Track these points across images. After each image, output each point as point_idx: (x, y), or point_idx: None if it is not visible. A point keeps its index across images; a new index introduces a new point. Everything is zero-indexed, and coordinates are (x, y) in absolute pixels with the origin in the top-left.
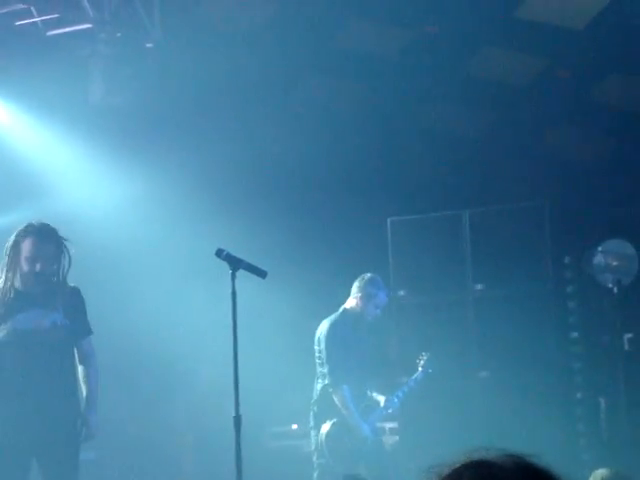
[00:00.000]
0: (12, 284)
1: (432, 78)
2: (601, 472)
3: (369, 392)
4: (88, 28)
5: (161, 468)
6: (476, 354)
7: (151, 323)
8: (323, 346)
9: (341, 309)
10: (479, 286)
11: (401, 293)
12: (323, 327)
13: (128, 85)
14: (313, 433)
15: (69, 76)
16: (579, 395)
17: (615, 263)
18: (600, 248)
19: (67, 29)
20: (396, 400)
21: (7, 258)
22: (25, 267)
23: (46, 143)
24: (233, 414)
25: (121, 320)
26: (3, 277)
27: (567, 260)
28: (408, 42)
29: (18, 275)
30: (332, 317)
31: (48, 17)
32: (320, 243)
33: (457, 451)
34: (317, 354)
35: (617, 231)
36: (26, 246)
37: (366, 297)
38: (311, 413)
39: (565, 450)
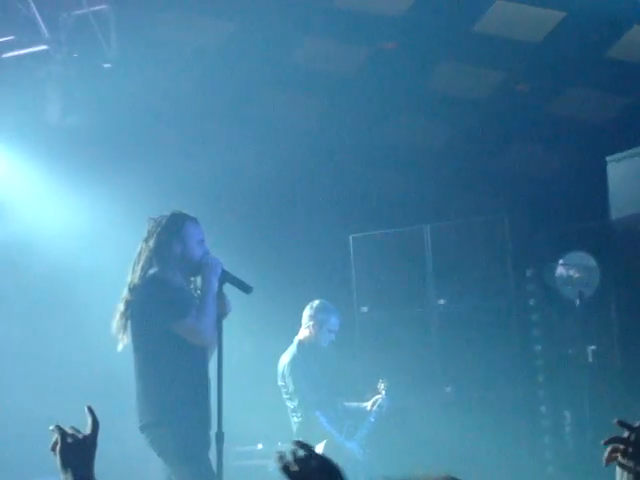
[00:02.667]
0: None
1: (391, 94)
2: None
3: (343, 409)
4: (44, 49)
5: None
6: (440, 369)
7: (103, 346)
8: (289, 381)
9: (296, 341)
10: (442, 301)
11: (364, 309)
12: (284, 362)
13: (86, 106)
14: None
15: (26, 98)
16: (543, 408)
17: (577, 275)
18: (561, 261)
19: (23, 51)
20: (372, 420)
21: (165, 245)
22: (197, 253)
23: (3, 166)
24: (215, 430)
25: (73, 344)
26: (162, 266)
27: (529, 273)
28: (365, 58)
29: (181, 263)
30: (290, 352)
31: (3, 39)
32: (282, 261)
33: (421, 467)
34: (284, 390)
35: (578, 243)
36: (194, 230)
37: (318, 324)
38: None
39: (531, 463)
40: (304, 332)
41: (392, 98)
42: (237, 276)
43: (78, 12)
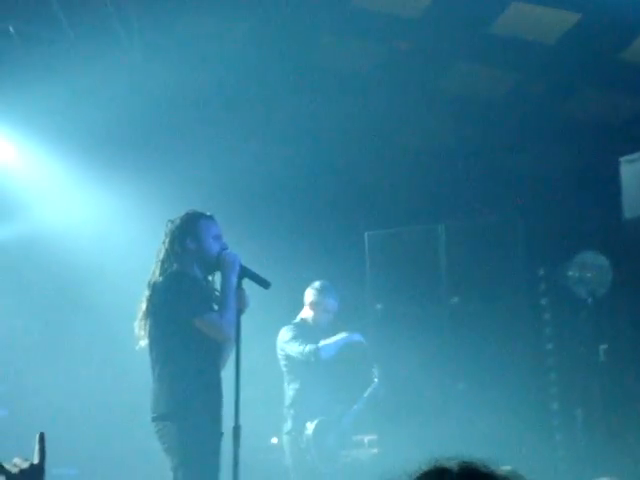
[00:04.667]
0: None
1: (406, 93)
2: None
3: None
4: (67, 44)
5: None
6: (453, 366)
7: (131, 342)
8: (287, 347)
9: (298, 318)
10: (455, 299)
11: (378, 306)
12: (283, 334)
13: (106, 102)
14: (291, 436)
15: (46, 92)
16: (555, 406)
17: (589, 275)
18: (574, 260)
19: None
20: (356, 408)
21: (180, 243)
22: (213, 249)
23: (20, 161)
24: (232, 424)
25: (102, 340)
26: (180, 264)
27: (541, 272)
28: (381, 58)
29: (197, 259)
30: (290, 325)
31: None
32: (298, 258)
33: (432, 461)
34: (283, 361)
35: (591, 243)
36: (209, 226)
37: (315, 304)
38: (289, 417)
39: (543, 460)
40: (305, 311)
41: (407, 97)
42: (255, 271)
43: (99, 7)
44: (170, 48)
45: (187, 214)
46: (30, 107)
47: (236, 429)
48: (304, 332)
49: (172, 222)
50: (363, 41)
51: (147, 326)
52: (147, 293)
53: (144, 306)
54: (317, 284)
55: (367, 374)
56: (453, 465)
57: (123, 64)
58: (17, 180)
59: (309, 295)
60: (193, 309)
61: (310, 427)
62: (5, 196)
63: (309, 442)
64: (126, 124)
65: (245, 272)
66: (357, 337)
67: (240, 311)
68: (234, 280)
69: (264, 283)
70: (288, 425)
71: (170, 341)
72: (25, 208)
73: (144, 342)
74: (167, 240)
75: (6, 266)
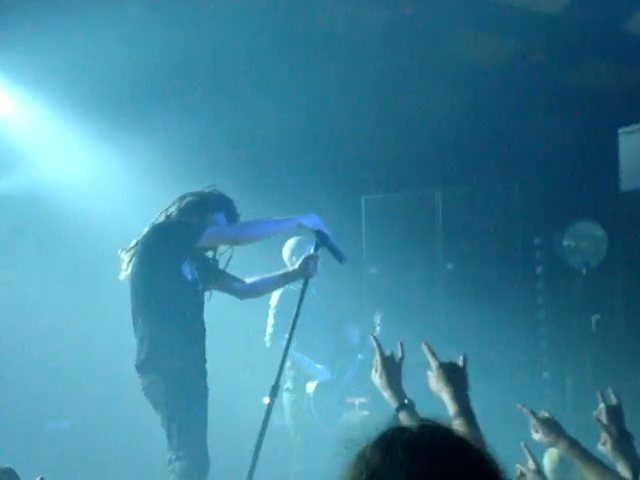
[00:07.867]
0: None
1: (407, 59)
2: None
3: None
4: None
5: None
6: (445, 332)
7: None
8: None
9: None
10: (450, 265)
11: (373, 271)
12: (273, 297)
13: (107, 57)
14: (293, 395)
15: (46, 46)
16: (546, 375)
17: (584, 244)
18: (569, 230)
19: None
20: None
21: (189, 214)
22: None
23: (27, 114)
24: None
25: (100, 294)
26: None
27: (537, 241)
28: (384, 22)
29: None
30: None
31: None
32: None
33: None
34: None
35: (587, 213)
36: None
37: (291, 256)
38: (289, 378)
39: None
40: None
41: (407, 63)
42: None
43: None
44: (172, 3)
45: (213, 195)
46: (30, 61)
47: (273, 389)
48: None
49: (198, 194)
50: (365, 5)
51: (132, 264)
52: (145, 232)
53: (134, 241)
54: (288, 242)
55: (368, 323)
56: (412, 424)
57: (125, 18)
58: (15, 134)
59: (285, 253)
60: (192, 233)
61: (310, 388)
62: (3, 149)
63: (310, 403)
64: (127, 80)
65: (325, 240)
66: (324, 375)
67: (308, 277)
68: (291, 223)
69: (341, 257)
70: (289, 386)
71: (154, 289)
72: (23, 162)
73: (124, 275)
74: (184, 203)
75: (4, 219)
